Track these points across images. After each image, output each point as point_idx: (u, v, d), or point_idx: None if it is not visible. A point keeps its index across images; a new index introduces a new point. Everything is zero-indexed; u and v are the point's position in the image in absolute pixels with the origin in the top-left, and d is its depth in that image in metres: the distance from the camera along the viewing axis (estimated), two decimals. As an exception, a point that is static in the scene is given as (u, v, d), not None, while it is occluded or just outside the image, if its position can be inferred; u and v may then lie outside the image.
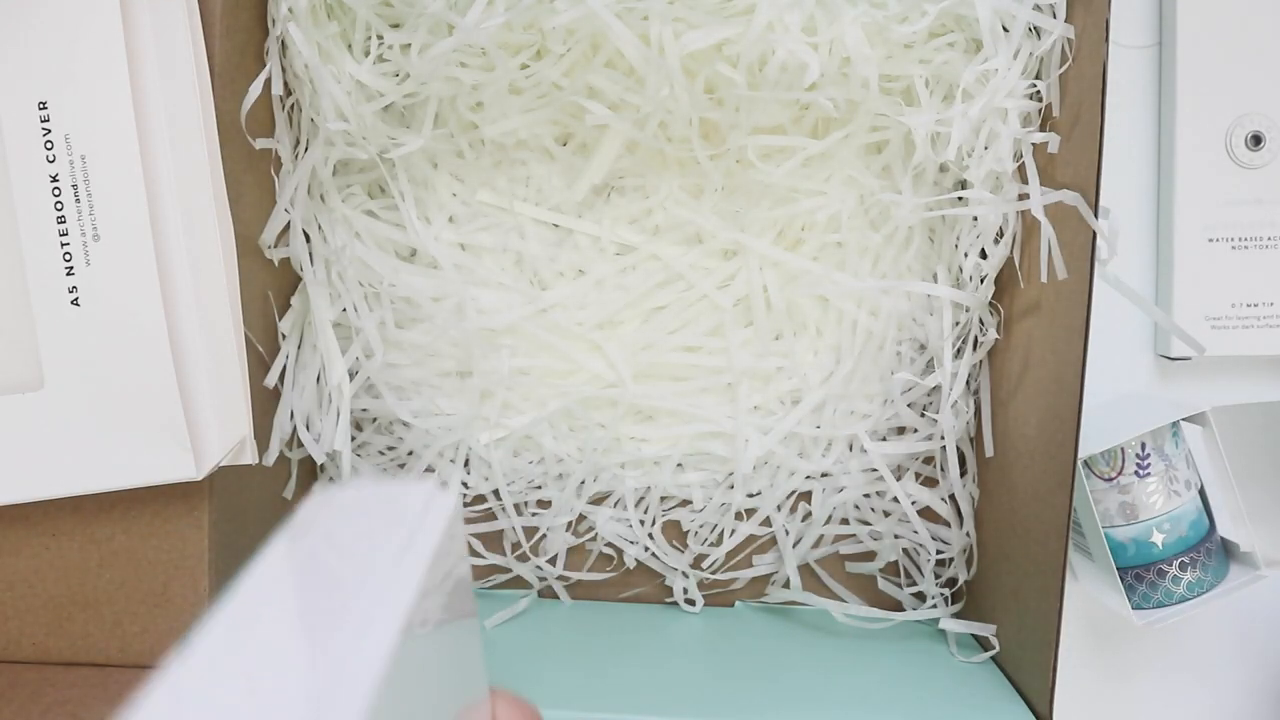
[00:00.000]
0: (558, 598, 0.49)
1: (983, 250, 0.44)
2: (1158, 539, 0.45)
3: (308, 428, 0.45)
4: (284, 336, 0.44)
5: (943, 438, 0.47)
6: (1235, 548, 0.47)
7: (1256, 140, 0.46)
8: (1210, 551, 0.46)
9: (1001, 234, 0.44)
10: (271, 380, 0.43)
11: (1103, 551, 0.45)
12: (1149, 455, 0.45)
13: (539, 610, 0.47)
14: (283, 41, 0.41)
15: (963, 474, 0.47)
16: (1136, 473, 0.45)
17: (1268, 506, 0.46)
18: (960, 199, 0.45)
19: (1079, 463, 0.39)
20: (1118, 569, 0.46)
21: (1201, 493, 0.47)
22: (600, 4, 0.38)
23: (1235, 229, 0.46)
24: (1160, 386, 0.49)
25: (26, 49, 0.33)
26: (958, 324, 0.46)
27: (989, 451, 0.46)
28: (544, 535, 0.49)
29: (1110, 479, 0.46)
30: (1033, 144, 0.41)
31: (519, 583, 0.49)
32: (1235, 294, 0.46)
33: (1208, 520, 0.47)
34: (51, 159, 0.34)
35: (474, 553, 0.48)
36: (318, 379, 0.45)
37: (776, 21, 0.39)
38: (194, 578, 0.40)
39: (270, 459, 0.44)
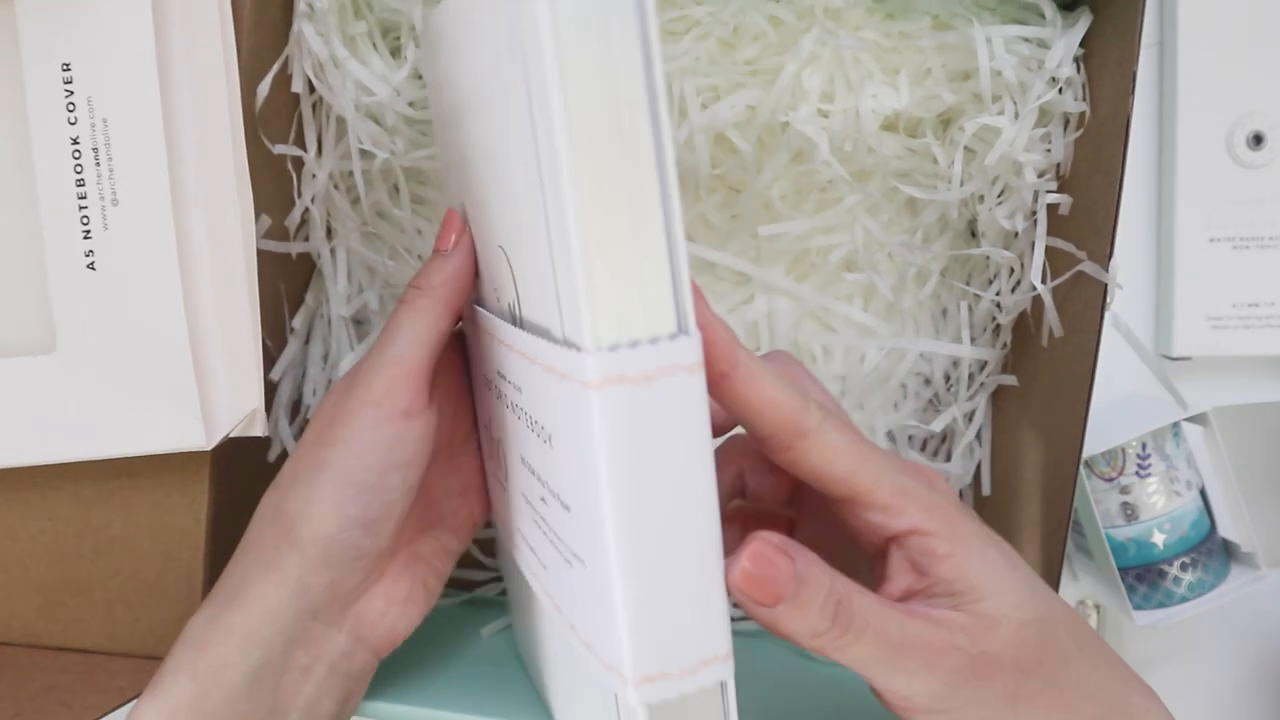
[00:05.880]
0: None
1: (998, 303, 0.44)
2: (1158, 539, 0.45)
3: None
4: (293, 330, 0.43)
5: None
6: (1236, 548, 0.47)
7: (1258, 140, 0.46)
8: (1211, 552, 0.46)
9: (1019, 282, 0.43)
10: (278, 373, 0.43)
11: (1103, 552, 0.45)
12: (1150, 455, 0.45)
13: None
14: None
15: None
16: (1137, 473, 0.45)
17: (1269, 507, 0.46)
18: (973, 236, 0.45)
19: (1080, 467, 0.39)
20: (1118, 569, 0.45)
21: (1202, 493, 0.47)
22: None
23: (1237, 229, 0.46)
24: (1161, 386, 0.49)
25: (52, 10, 0.33)
26: (972, 377, 0.46)
27: (985, 490, 0.46)
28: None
29: (1111, 479, 0.46)
30: (1046, 204, 0.41)
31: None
32: (1236, 294, 0.46)
33: (1209, 520, 0.47)
34: (73, 121, 0.34)
35: (473, 560, 0.48)
36: (328, 381, 0.45)
37: (795, 84, 0.40)
38: (189, 570, 0.39)
39: (273, 454, 0.43)
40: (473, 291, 0.33)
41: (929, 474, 0.29)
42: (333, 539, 0.30)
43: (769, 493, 0.32)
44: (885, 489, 0.26)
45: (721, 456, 0.32)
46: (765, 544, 0.25)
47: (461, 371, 0.36)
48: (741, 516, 0.33)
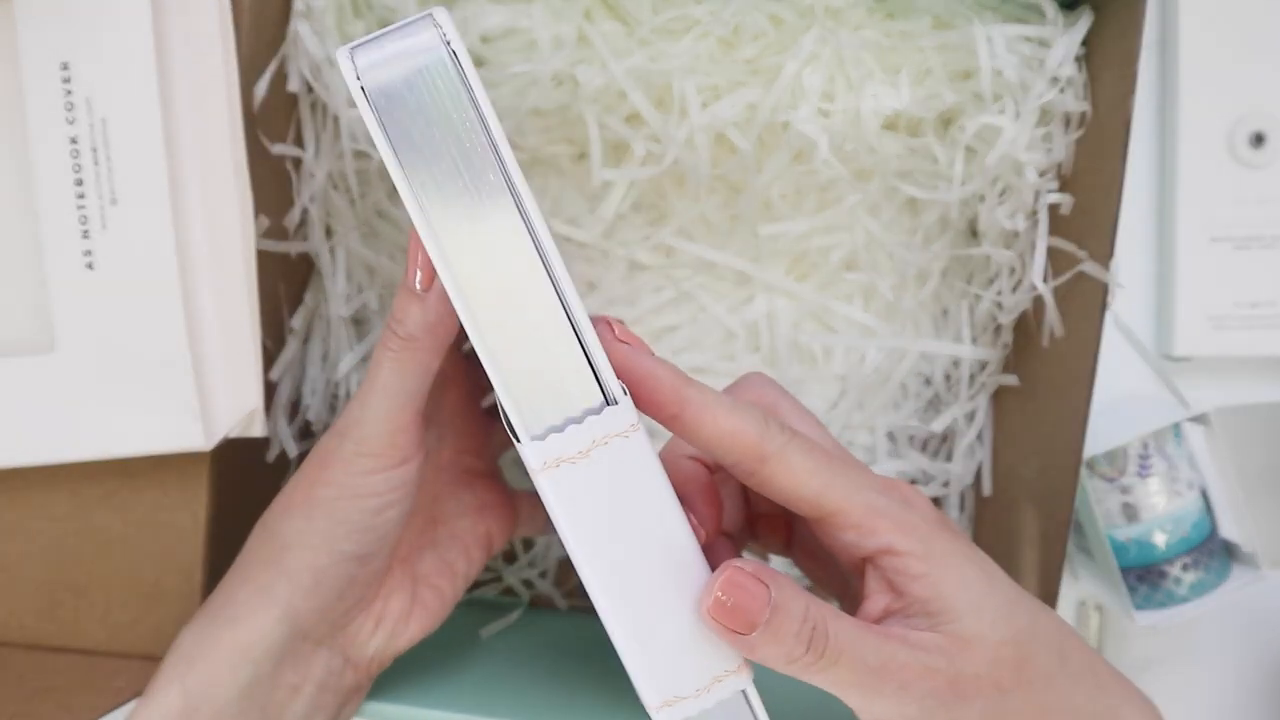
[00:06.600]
0: (552, 607, 0.48)
1: (999, 303, 0.44)
2: (1160, 540, 0.45)
3: (310, 423, 0.44)
4: (292, 330, 0.43)
5: (946, 484, 0.46)
6: (1237, 548, 0.47)
7: (1259, 139, 0.46)
8: (1212, 552, 0.46)
9: (1020, 282, 0.43)
10: (277, 373, 0.43)
11: (1104, 553, 0.45)
12: (1151, 456, 0.45)
13: (533, 620, 0.47)
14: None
15: (960, 512, 0.47)
16: (1139, 473, 0.45)
17: (1270, 507, 0.46)
18: (974, 236, 0.45)
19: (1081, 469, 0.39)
20: (1119, 570, 0.45)
21: (1204, 493, 0.47)
22: (623, 68, 0.38)
23: (1238, 228, 0.46)
24: (1162, 386, 0.49)
25: (51, 10, 0.33)
26: (973, 377, 0.46)
27: (986, 491, 0.46)
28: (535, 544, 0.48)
29: (1112, 479, 0.45)
30: (1047, 204, 0.41)
31: (510, 592, 0.49)
32: (1238, 293, 0.46)
33: (1210, 521, 0.46)
34: (71, 120, 0.34)
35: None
36: (328, 381, 0.45)
37: (795, 83, 0.39)
38: (188, 572, 0.39)
39: (272, 454, 0.43)
40: None
41: (906, 491, 0.28)
42: (325, 570, 0.30)
43: (763, 498, 0.32)
44: (856, 509, 0.26)
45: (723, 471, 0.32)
46: (738, 571, 0.25)
47: (469, 388, 0.35)
48: (746, 519, 0.33)
